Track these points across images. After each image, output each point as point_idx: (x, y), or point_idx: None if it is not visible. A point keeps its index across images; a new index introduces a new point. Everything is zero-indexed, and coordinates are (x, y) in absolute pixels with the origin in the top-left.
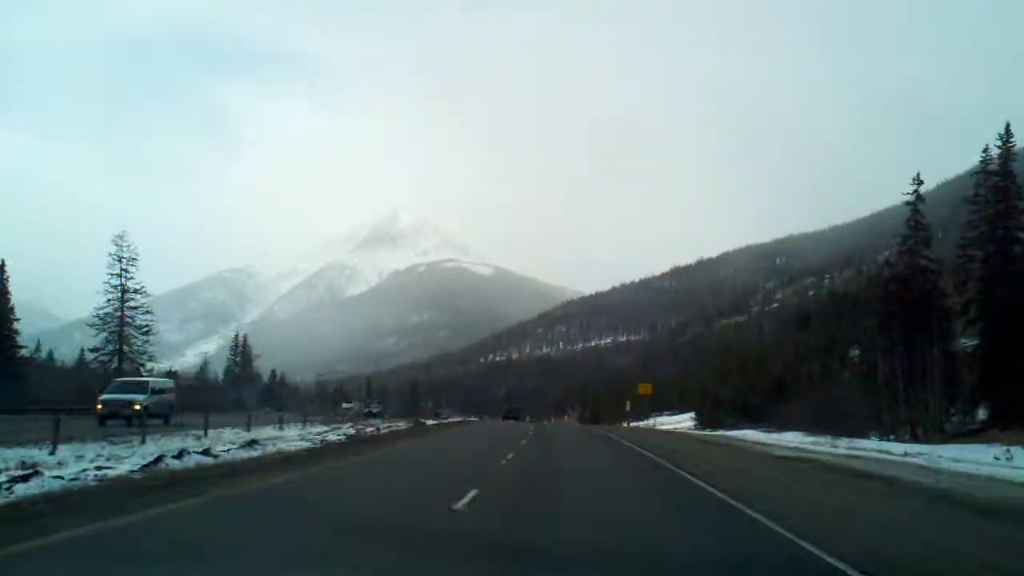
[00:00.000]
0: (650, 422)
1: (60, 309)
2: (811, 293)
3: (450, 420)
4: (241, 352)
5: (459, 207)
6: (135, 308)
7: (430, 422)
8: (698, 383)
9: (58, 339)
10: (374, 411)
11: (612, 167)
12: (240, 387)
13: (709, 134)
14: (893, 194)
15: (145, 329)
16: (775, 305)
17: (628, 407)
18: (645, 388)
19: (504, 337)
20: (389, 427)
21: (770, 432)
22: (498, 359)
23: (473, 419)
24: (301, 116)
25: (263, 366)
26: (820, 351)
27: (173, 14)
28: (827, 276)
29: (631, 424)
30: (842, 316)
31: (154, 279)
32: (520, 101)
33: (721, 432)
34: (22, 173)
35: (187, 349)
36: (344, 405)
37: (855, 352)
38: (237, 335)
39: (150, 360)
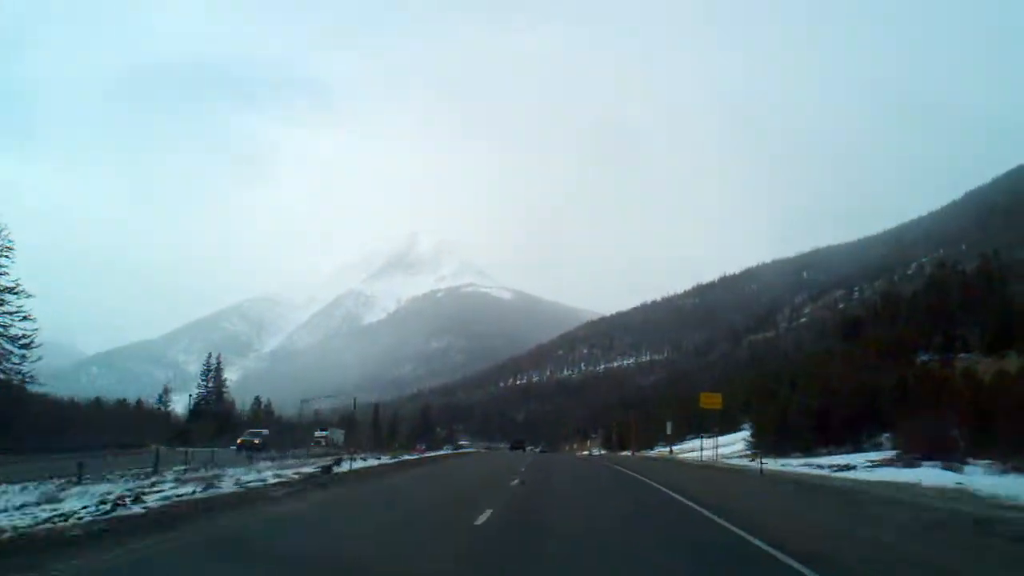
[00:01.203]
0: (687, 446)
1: (80, 344)
2: (840, 306)
3: (443, 453)
4: (214, 379)
5: (477, 231)
6: (10, 314)
7: (411, 455)
8: (752, 392)
9: (77, 373)
10: (331, 441)
11: (632, 186)
12: (205, 421)
13: (730, 149)
14: (918, 205)
15: (23, 341)
16: (803, 320)
17: (669, 430)
18: (712, 399)
19: (523, 360)
20: (330, 466)
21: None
22: (517, 383)
23: (474, 449)
24: (317, 144)
25: (281, 396)
26: (887, 357)
27: (192, 43)
28: (856, 288)
29: (670, 451)
30: (896, 321)
31: (174, 310)
32: (535, 124)
33: (832, 471)
34: (44, 204)
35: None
36: (317, 434)
37: (923, 357)
38: (209, 357)
39: (30, 383)
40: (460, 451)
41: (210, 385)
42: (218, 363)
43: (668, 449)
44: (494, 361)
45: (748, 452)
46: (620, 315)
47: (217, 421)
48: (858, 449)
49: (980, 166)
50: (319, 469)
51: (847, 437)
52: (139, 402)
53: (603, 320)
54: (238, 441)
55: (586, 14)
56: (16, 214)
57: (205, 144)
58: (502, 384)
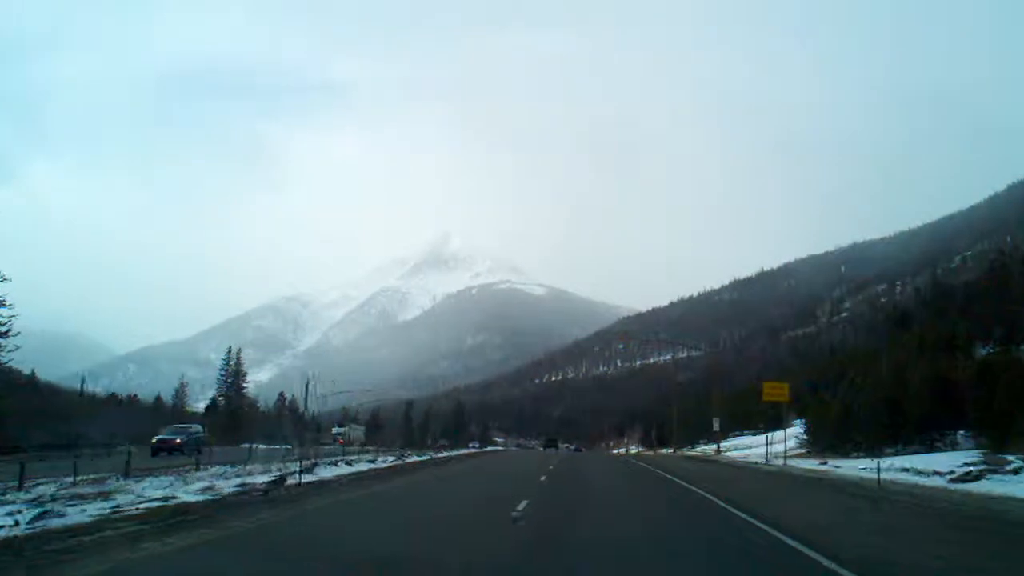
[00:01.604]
0: (732, 443)
1: (115, 343)
2: (883, 300)
3: (462, 452)
4: (234, 374)
5: (511, 228)
6: None
7: (422, 456)
8: (805, 386)
9: (112, 371)
10: (350, 438)
11: (667, 182)
12: (218, 419)
13: (766, 144)
14: (958, 198)
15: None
16: (844, 315)
17: (717, 426)
18: (777, 390)
19: (559, 357)
20: (283, 477)
21: None
22: (553, 379)
23: (502, 447)
24: (348, 144)
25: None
26: (937, 349)
27: (215, 47)
28: (898, 282)
29: (716, 450)
30: (948, 312)
31: (206, 310)
32: (568, 118)
33: (950, 481)
34: (72, 210)
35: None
36: (335, 430)
37: (982, 350)
38: (229, 352)
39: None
40: (484, 450)
41: (229, 381)
42: (238, 358)
43: (714, 447)
44: (530, 358)
45: (801, 451)
46: (656, 311)
47: (231, 419)
48: (932, 449)
49: (1021, 158)
50: (270, 480)
51: (915, 435)
52: (158, 399)
53: (639, 316)
54: (152, 441)
55: (614, 13)
56: (48, 219)
57: (233, 148)
58: (537, 381)
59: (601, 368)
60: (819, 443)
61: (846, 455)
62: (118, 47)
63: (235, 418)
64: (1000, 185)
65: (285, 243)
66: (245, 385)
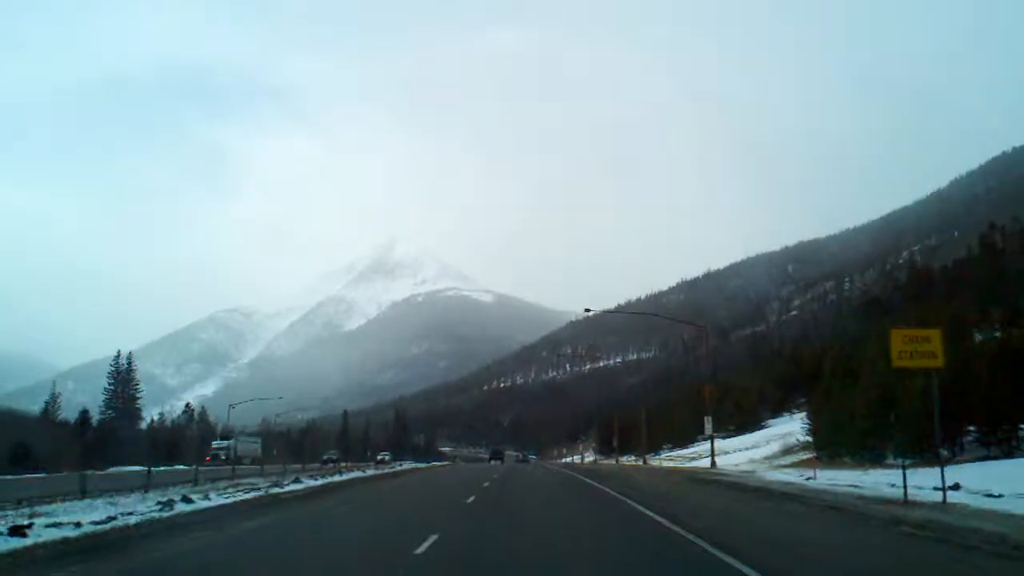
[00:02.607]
0: (696, 450)
1: (56, 359)
2: (831, 297)
3: (358, 475)
4: (123, 383)
5: (457, 235)
6: None
7: (325, 478)
8: (787, 381)
9: (50, 389)
10: (236, 454)
11: (611, 184)
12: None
13: (709, 143)
14: (901, 197)
15: None
16: (793, 312)
17: (709, 428)
18: (921, 339)
19: (507, 363)
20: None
21: None
22: (501, 386)
23: (446, 462)
24: (290, 150)
25: (263, 406)
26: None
27: (155, 51)
28: (847, 279)
29: (712, 464)
30: (929, 298)
31: (149, 323)
32: (510, 126)
33: None
34: (6, 222)
35: (183, 393)
36: (215, 444)
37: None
38: (118, 357)
39: None
40: (416, 466)
41: (117, 391)
42: (128, 364)
43: (691, 455)
44: (477, 365)
45: (800, 456)
46: (605, 314)
47: (100, 436)
48: (1012, 452)
49: (962, 155)
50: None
51: (984, 431)
52: (45, 413)
53: (587, 320)
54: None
55: (560, 12)
56: None
57: (172, 154)
58: (486, 388)
59: (550, 373)
60: (829, 446)
61: (875, 462)
62: (51, 50)
63: (107, 435)
64: (943, 181)
65: (229, 253)
66: (139, 396)
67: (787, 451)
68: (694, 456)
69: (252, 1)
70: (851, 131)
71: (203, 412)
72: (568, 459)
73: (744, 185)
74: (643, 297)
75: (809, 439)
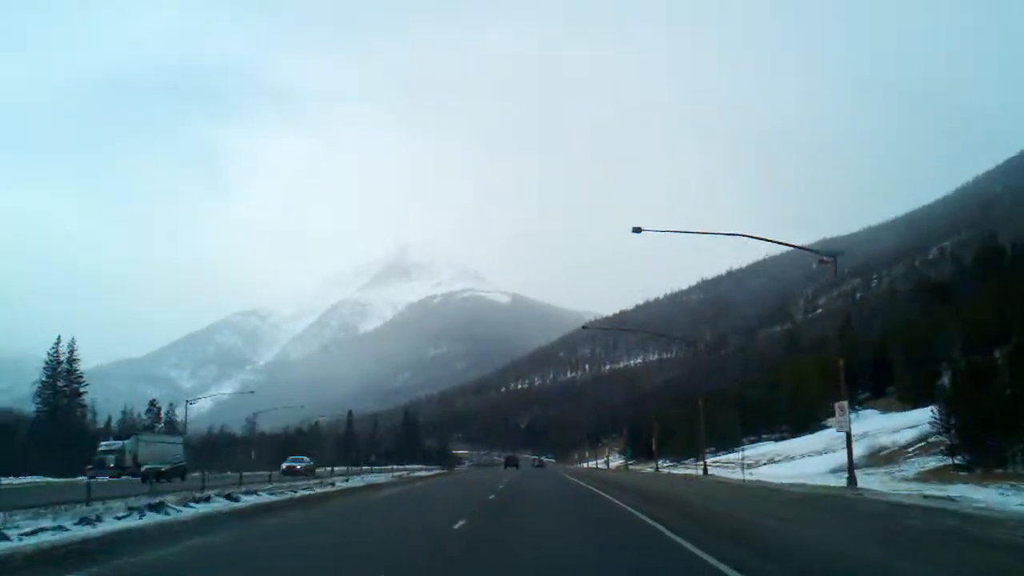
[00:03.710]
0: (750, 453)
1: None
2: (858, 295)
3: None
4: (64, 374)
5: (472, 236)
6: None
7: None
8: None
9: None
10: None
11: (628, 183)
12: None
13: (728, 142)
14: (925, 192)
15: None
16: (819, 311)
17: (843, 416)
18: None
19: (524, 364)
20: None
21: None
22: (519, 387)
23: (456, 468)
24: (304, 153)
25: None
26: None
27: (165, 52)
28: (875, 276)
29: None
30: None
31: (165, 325)
32: (523, 125)
33: None
34: (18, 225)
35: (199, 395)
36: (103, 446)
37: None
38: (58, 343)
39: None
40: (429, 472)
41: (59, 385)
42: (70, 353)
43: (765, 463)
44: (494, 367)
45: (922, 469)
46: (623, 313)
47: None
48: None
49: (987, 151)
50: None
51: None
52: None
53: (605, 319)
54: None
55: (574, 8)
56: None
57: (189, 159)
58: (503, 390)
59: (568, 374)
60: (971, 448)
61: None
62: (56, 49)
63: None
64: (967, 177)
65: (243, 256)
66: (83, 389)
67: (876, 456)
68: (749, 463)
69: (269, 1)
70: (877, 128)
71: (170, 409)
72: (590, 464)
73: (763, 183)
74: (662, 297)
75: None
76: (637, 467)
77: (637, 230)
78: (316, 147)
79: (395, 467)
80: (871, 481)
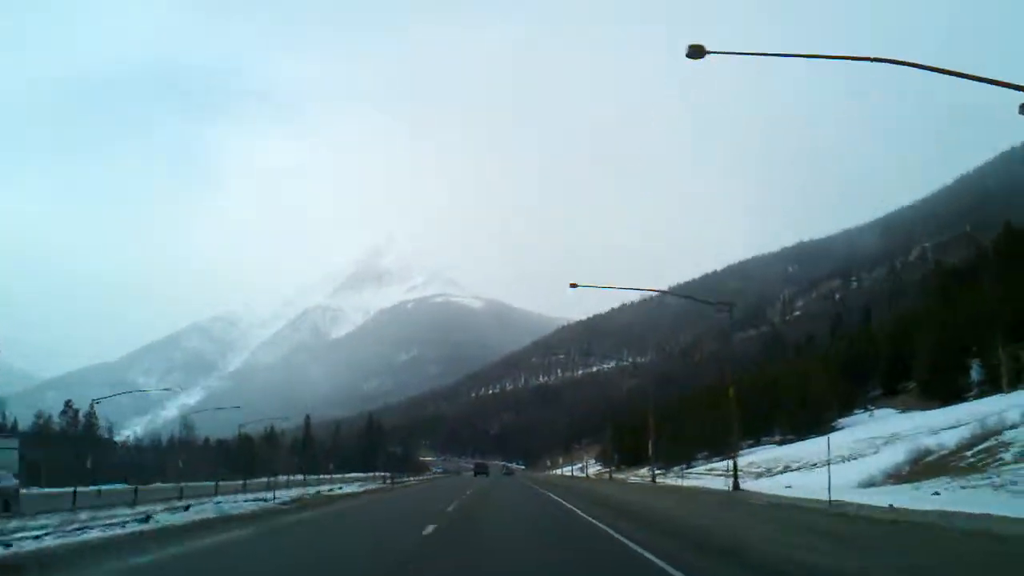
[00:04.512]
0: (752, 459)
1: (36, 368)
2: (837, 296)
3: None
4: None
5: (446, 241)
6: None
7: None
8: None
9: (32, 398)
10: None
11: (602, 188)
12: None
13: (702, 145)
14: (902, 194)
15: None
16: (797, 313)
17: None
18: None
19: (497, 369)
20: None
21: None
22: (490, 392)
23: (423, 477)
24: (278, 158)
25: (247, 415)
26: None
27: (137, 51)
28: (854, 278)
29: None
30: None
31: (131, 331)
32: (499, 129)
33: None
34: None
35: (168, 402)
36: None
37: None
38: None
39: None
40: (375, 484)
41: None
42: None
43: (780, 471)
44: (468, 371)
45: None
46: (597, 317)
47: None
48: None
49: (966, 152)
50: None
51: None
52: None
53: (580, 324)
54: None
55: (553, 11)
56: None
57: (158, 162)
58: (473, 395)
59: (541, 378)
60: None
61: None
62: (30, 48)
63: None
64: (948, 178)
65: (214, 260)
66: None
67: (921, 463)
68: (758, 470)
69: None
70: (846, 132)
71: (90, 413)
72: (564, 471)
73: (737, 187)
74: (636, 300)
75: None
76: (621, 475)
77: (573, 286)
78: (290, 152)
79: (329, 477)
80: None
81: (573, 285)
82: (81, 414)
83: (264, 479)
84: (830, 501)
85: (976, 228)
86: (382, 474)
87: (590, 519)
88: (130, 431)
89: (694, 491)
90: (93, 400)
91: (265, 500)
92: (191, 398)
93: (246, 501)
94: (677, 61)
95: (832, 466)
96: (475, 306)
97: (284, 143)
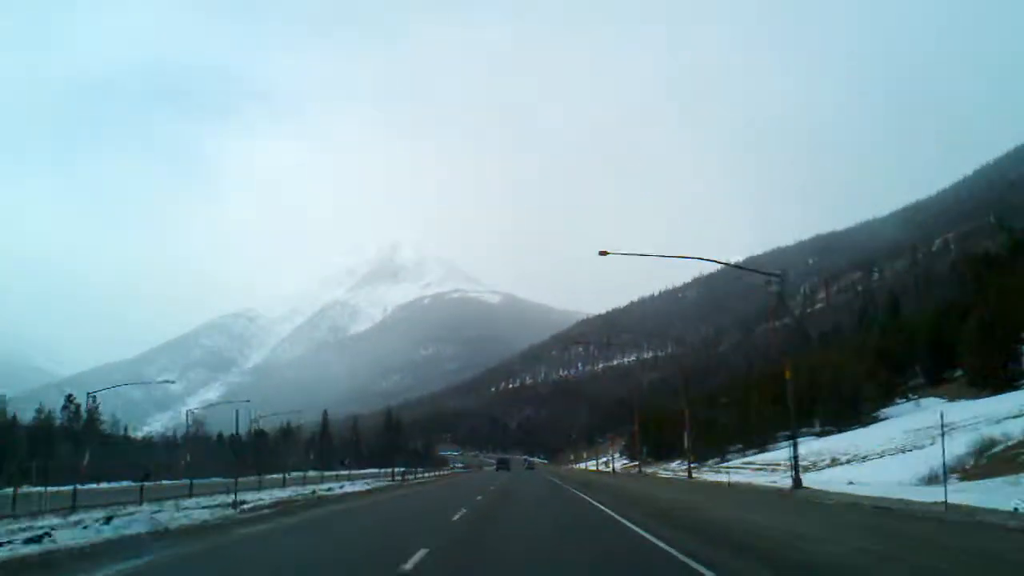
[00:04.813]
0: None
1: (56, 366)
2: (859, 288)
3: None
4: None
5: (463, 236)
6: None
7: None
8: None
9: (52, 395)
10: None
11: (620, 181)
12: None
13: (721, 139)
14: (920, 186)
15: None
16: (819, 305)
17: None
18: None
19: (516, 363)
20: None
21: None
22: (510, 386)
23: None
24: (293, 154)
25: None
26: None
27: (147, 56)
28: (876, 270)
29: None
30: None
31: (149, 330)
32: (513, 123)
33: None
34: (6, 229)
35: (188, 397)
36: None
37: None
38: None
39: None
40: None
41: None
42: None
43: (827, 465)
44: (485, 367)
45: None
46: (616, 311)
47: None
48: None
49: (985, 144)
50: None
51: None
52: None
53: (599, 317)
54: None
55: (563, 6)
56: None
57: (176, 161)
58: (493, 389)
59: (561, 372)
60: None
61: None
62: (33, 49)
63: None
64: (968, 169)
65: (231, 258)
66: None
67: (985, 454)
68: (805, 464)
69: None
70: (872, 123)
71: (95, 402)
72: (588, 465)
73: (757, 180)
74: (656, 294)
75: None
76: (650, 470)
77: (603, 253)
78: (305, 148)
79: (339, 472)
80: None
81: (603, 253)
82: (82, 409)
83: (279, 475)
84: (946, 504)
85: (999, 218)
86: (389, 471)
87: (650, 538)
88: (151, 428)
89: (744, 489)
90: (89, 393)
91: (240, 505)
92: (211, 393)
93: (200, 509)
94: (688, 56)
95: (887, 459)
96: (492, 301)
97: (302, 143)
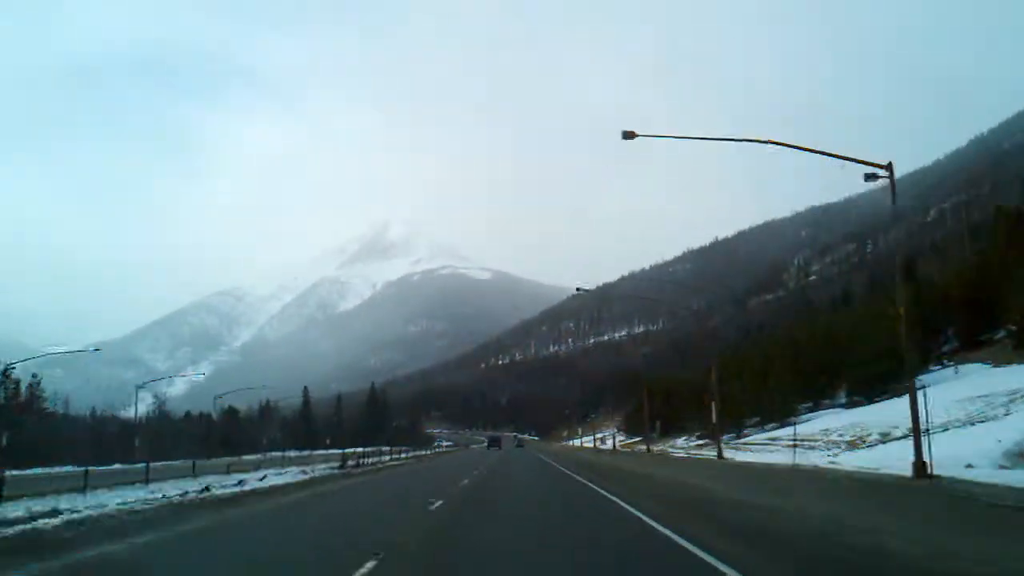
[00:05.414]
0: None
1: (40, 345)
2: (854, 260)
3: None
4: None
5: (452, 213)
6: None
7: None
8: None
9: (40, 376)
10: None
11: (609, 154)
12: None
13: (710, 109)
14: (914, 157)
15: None
16: (813, 277)
17: None
18: None
19: (506, 339)
20: None
21: None
22: (500, 362)
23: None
24: (282, 132)
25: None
26: None
27: (132, 35)
28: (869, 241)
29: None
30: None
31: (137, 308)
32: (501, 97)
33: None
34: None
35: (178, 378)
36: None
37: None
38: None
39: None
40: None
41: None
42: None
43: (866, 446)
44: (475, 344)
45: None
46: (607, 286)
47: None
48: None
49: (979, 114)
50: None
51: None
52: None
53: (588, 292)
54: None
55: None
56: None
57: (161, 137)
58: (483, 366)
59: (552, 348)
60: None
61: None
62: (22, 32)
63: None
64: (962, 140)
65: (218, 235)
66: None
67: None
68: (848, 439)
69: None
70: (863, 90)
71: (37, 381)
72: (583, 441)
73: (749, 153)
74: (648, 268)
75: None
76: (657, 448)
77: (628, 135)
78: (294, 125)
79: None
80: None
81: (628, 135)
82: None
83: (257, 456)
84: None
85: (995, 188)
86: (340, 452)
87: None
88: (140, 410)
89: (831, 477)
90: (7, 365)
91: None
92: (200, 371)
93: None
94: (683, 27)
95: (951, 433)
96: (482, 277)
97: (290, 121)
